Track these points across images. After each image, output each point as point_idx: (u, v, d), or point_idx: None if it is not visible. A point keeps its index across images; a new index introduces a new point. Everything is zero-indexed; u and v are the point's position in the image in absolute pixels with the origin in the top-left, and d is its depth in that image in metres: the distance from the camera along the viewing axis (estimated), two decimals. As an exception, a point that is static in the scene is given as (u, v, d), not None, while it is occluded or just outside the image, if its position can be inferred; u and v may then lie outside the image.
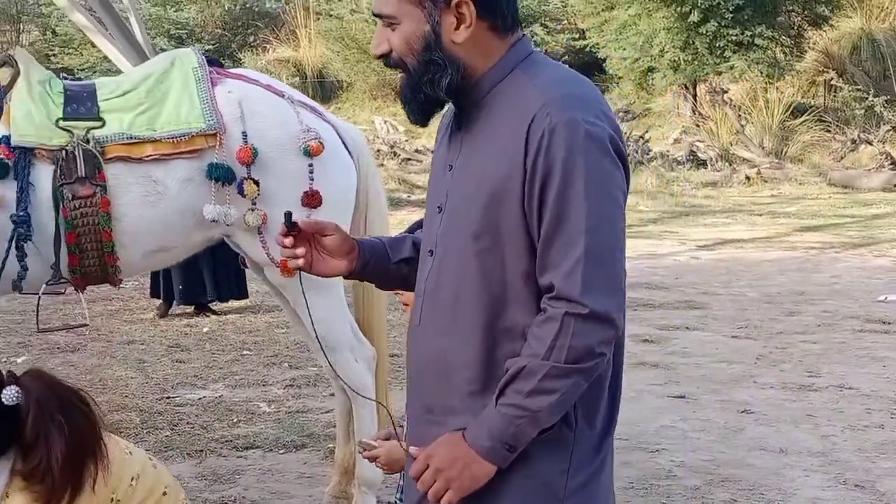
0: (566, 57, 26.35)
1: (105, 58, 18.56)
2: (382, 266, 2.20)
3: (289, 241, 2.11)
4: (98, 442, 2.02)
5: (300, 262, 2.12)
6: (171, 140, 3.59)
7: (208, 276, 7.42)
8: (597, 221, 1.86)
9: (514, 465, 1.94)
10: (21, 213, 3.47)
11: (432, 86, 1.96)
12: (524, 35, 2.04)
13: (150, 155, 3.61)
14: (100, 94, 3.68)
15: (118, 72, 11.93)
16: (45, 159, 3.52)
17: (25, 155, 3.49)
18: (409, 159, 18.17)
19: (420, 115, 2.04)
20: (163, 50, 18.81)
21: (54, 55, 25.80)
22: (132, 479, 2.23)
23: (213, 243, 3.91)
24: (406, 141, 18.91)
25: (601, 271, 1.86)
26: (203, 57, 3.80)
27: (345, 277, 2.26)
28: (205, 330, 7.26)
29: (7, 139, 3.48)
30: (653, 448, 4.90)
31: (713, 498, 4.31)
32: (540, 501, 1.99)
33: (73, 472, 1.93)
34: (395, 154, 18.05)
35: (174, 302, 7.70)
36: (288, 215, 2.11)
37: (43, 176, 3.52)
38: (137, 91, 3.69)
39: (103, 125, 3.60)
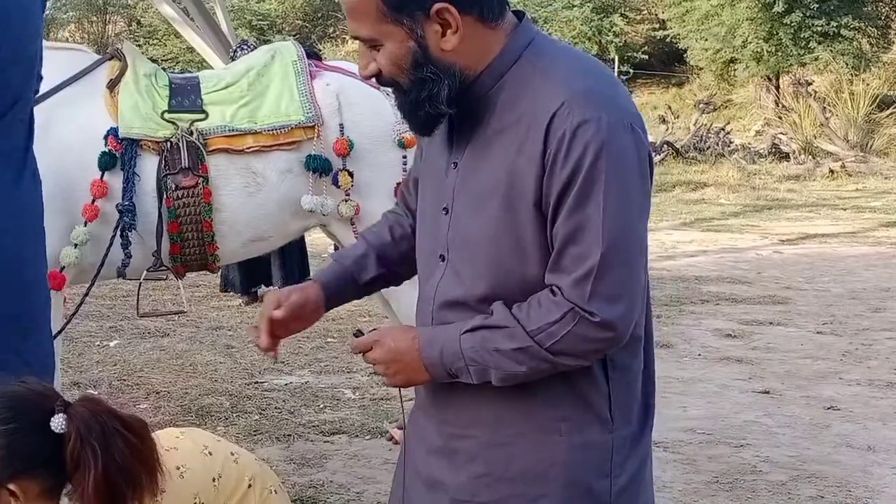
0: (646, 47, 26.16)
1: (188, 48, 18.94)
2: (350, 294, 2.14)
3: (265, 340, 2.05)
4: (141, 471, 1.96)
5: (269, 352, 2.06)
6: (271, 132, 3.69)
7: (275, 262, 7.54)
8: (616, 234, 1.75)
9: (555, 474, 1.87)
10: (126, 203, 3.59)
11: (432, 102, 1.82)
12: (524, 17, 1.89)
13: (251, 147, 3.72)
14: (203, 87, 3.79)
15: (201, 62, 12.19)
16: (151, 150, 3.64)
17: (132, 146, 3.62)
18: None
19: (425, 128, 1.90)
20: (245, 41, 19.11)
21: (139, 45, 26.36)
22: (213, 479, 2.22)
23: (306, 232, 4.01)
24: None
25: (612, 281, 1.75)
26: (302, 50, 3.89)
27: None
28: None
29: (115, 131, 3.61)
30: (737, 443, 4.88)
31: (799, 494, 4.29)
32: None
33: (106, 501, 1.90)
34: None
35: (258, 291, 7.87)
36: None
37: (148, 167, 3.64)
38: (239, 84, 3.80)
39: (206, 118, 3.71)
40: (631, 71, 26.14)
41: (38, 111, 3.56)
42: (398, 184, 3.78)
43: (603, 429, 1.88)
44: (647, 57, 26.07)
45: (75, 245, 3.56)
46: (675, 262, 9.79)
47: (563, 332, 1.76)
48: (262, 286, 7.70)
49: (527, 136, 1.78)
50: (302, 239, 6.48)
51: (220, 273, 7.80)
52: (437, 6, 1.76)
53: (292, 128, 3.70)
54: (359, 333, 1.96)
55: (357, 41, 1.87)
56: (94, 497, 1.87)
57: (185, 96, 3.74)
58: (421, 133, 1.94)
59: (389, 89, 1.96)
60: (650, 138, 19.39)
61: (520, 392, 1.87)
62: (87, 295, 3.89)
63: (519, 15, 1.89)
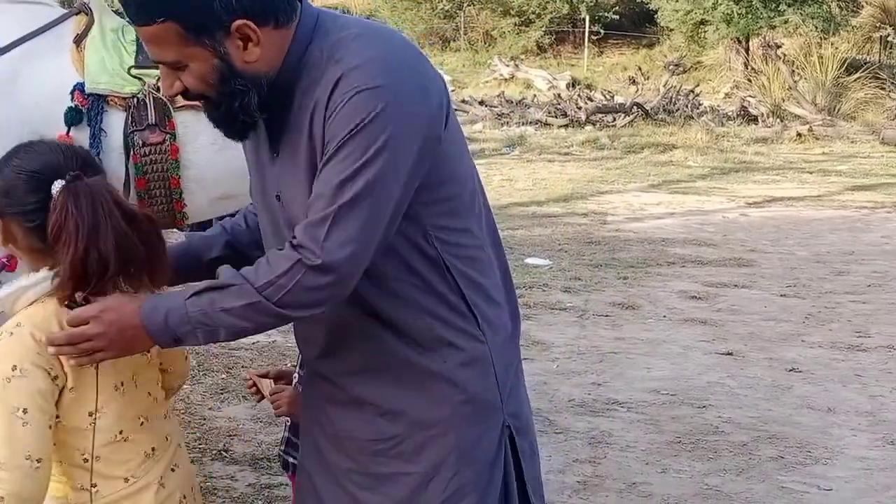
0: (617, 7, 26.10)
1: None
2: (193, 269, 2.17)
3: None
4: (131, 264, 1.92)
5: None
6: (239, 89, 3.65)
7: None
8: (364, 187, 1.79)
9: (450, 395, 1.99)
10: (93, 159, 3.55)
11: (245, 112, 1.88)
12: (301, 3, 1.92)
13: (219, 103, 3.68)
14: (170, 43, 3.74)
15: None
16: (118, 106, 3.59)
17: (98, 102, 3.56)
18: (456, 109, 18.13)
19: (239, 134, 1.98)
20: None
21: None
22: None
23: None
24: (452, 91, 18.88)
25: (345, 226, 1.80)
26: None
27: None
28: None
29: (81, 86, 3.55)
30: (700, 404, 4.96)
31: (760, 455, 4.37)
32: (485, 418, 2.03)
33: (81, 283, 1.88)
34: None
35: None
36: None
37: (114, 122, 3.59)
38: (209, 41, 3.75)
39: (174, 73, 3.67)
40: (602, 31, 26.11)
41: (4, 64, 3.53)
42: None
43: (476, 340, 2.01)
44: (618, 17, 26.03)
45: None
46: (642, 223, 9.85)
47: (292, 282, 1.81)
48: None
49: (314, 113, 1.85)
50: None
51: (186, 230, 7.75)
52: (236, 23, 1.81)
53: (261, 85, 3.66)
54: (73, 305, 1.92)
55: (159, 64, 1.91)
56: (68, 274, 1.85)
57: (152, 52, 3.69)
58: (238, 139, 2.01)
59: None
60: (620, 99, 19.36)
61: (391, 324, 1.97)
62: None
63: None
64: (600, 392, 5.10)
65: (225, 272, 1.90)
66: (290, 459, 2.68)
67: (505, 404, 2.07)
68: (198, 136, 3.67)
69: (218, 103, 1.89)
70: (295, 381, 2.59)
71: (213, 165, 3.68)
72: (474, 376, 2.03)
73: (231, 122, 1.92)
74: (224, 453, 4.19)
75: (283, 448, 2.75)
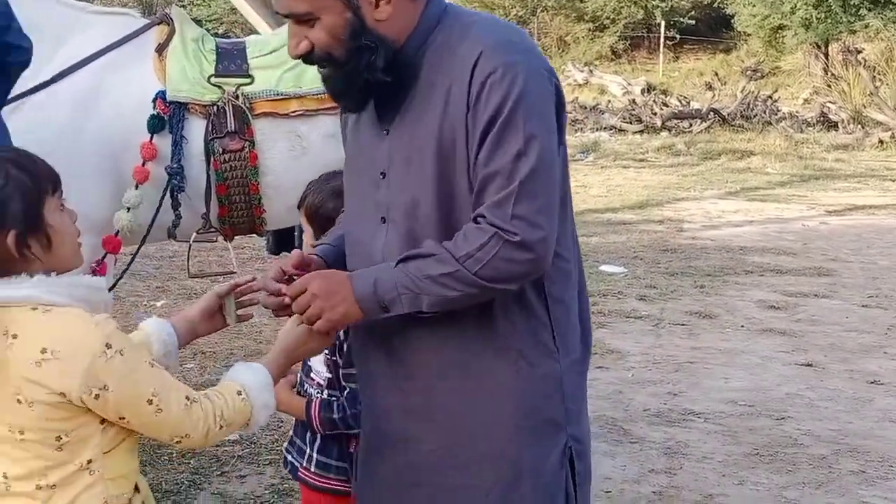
0: (693, 12, 25.80)
1: (232, 9, 18.96)
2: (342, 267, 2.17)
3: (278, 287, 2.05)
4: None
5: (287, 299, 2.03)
6: (316, 96, 3.69)
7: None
8: (534, 166, 1.86)
9: (517, 409, 1.99)
10: (175, 165, 3.61)
11: (371, 70, 1.93)
12: None
13: (296, 111, 3.73)
14: (250, 52, 3.80)
15: (245, 23, 12.21)
16: (198, 114, 3.66)
17: (179, 109, 3.63)
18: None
19: (361, 102, 2.02)
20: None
21: (183, 6, 26.39)
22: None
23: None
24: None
25: (531, 207, 1.86)
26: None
27: None
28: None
29: (163, 94, 3.63)
30: (779, 416, 4.86)
31: (840, 468, 4.27)
32: (550, 436, 2.03)
33: None
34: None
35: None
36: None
37: (195, 130, 3.66)
38: (285, 49, 3.78)
39: (252, 82, 3.72)
40: (677, 36, 25.85)
41: (88, 75, 3.62)
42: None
43: (551, 358, 2.02)
44: (693, 22, 25.73)
45: (128, 209, 3.59)
46: (719, 231, 9.71)
47: (489, 256, 1.86)
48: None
49: (451, 91, 1.91)
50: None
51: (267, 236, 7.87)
52: None
53: (337, 92, 3.70)
54: (290, 279, 2.03)
55: (288, 20, 1.96)
56: None
57: (231, 61, 3.75)
58: (354, 110, 2.06)
59: None
60: (696, 105, 19.12)
61: (468, 332, 1.98)
62: (135, 256, 3.93)
63: None
64: (676, 402, 5.04)
65: (427, 243, 1.92)
66: (290, 458, 2.70)
67: (569, 425, 2.06)
68: (276, 143, 3.73)
69: (344, 61, 1.92)
70: (297, 381, 2.62)
71: (291, 172, 3.73)
72: (544, 393, 2.02)
73: (352, 84, 1.95)
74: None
75: (286, 446, 2.76)
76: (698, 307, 6.85)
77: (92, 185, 3.54)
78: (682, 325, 6.45)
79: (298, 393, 2.61)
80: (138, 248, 3.86)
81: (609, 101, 20.61)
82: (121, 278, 4.04)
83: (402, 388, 2.06)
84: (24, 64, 2.61)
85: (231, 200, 3.70)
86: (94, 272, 3.56)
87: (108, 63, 3.66)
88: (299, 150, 3.74)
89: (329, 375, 2.54)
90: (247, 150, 3.66)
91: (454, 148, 1.92)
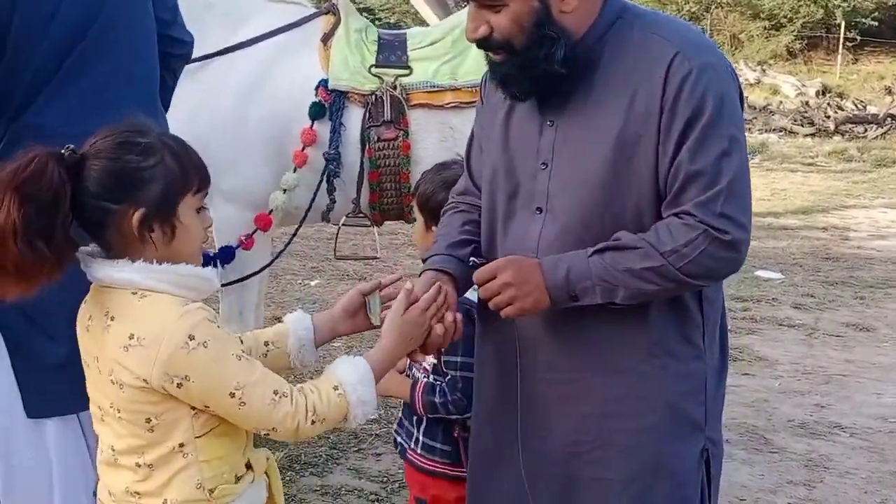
0: (877, 13, 24.72)
1: (405, -1, 19.31)
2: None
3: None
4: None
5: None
6: (470, 89, 3.77)
7: None
8: (737, 167, 1.87)
9: (660, 405, 2.00)
10: (332, 151, 3.77)
11: (549, 61, 1.92)
12: None
13: (450, 103, 3.83)
14: (410, 44, 3.92)
15: (416, 13, 12.43)
16: (357, 102, 3.80)
17: (340, 98, 3.78)
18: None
19: (529, 92, 2.01)
20: (461, -7, 19.26)
21: (358, -6, 26.94)
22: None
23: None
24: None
25: (738, 206, 1.88)
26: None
27: None
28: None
29: (325, 82, 3.78)
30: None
31: None
32: (689, 436, 2.03)
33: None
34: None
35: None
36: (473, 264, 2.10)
37: (353, 118, 3.80)
38: (444, 41, 3.90)
39: (410, 73, 3.84)
40: (858, 37, 24.81)
41: (258, 60, 3.80)
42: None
43: (698, 359, 2.03)
44: (876, 23, 24.62)
45: (284, 190, 3.77)
46: (886, 242, 9.32)
47: (696, 252, 1.87)
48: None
49: (639, 86, 1.91)
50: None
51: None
52: None
53: (492, 85, 3.77)
54: (475, 264, 2.06)
55: (471, 3, 1.95)
56: None
57: (391, 52, 3.87)
58: (520, 98, 2.03)
59: None
60: (873, 109, 18.30)
61: (620, 326, 1.98)
62: (294, 236, 4.10)
63: None
64: (823, 414, 4.91)
65: (624, 236, 1.92)
66: (399, 439, 2.75)
67: (708, 427, 2.06)
68: (429, 134, 3.83)
69: (522, 49, 1.93)
70: (406, 365, 2.66)
71: (442, 162, 3.82)
72: (688, 391, 2.02)
73: (526, 73, 1.97)
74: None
75: (395, 428, 2.81)
76: (856, 319, 6.62)
77: (254, 165, 3.72)
78: (837, 336, 6.25)
79: (407, 376, 2.68)
80: (296, 230, 4.03)
81: (781, 102, 19.98)
82: (277, 257, 4.22)
83: (545, 377, 2.07)
84: (185, 58, 2.75)
85: (382, 187, 3.83)
86: (241, 244, 3.75)
87: (278, 50, 3.84)
88: (451, 142, 3.83)
89: (434, 361, 2.59)
90: (400, 139, 3.78)
91: (637, 146, 1.92)
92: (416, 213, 2.74)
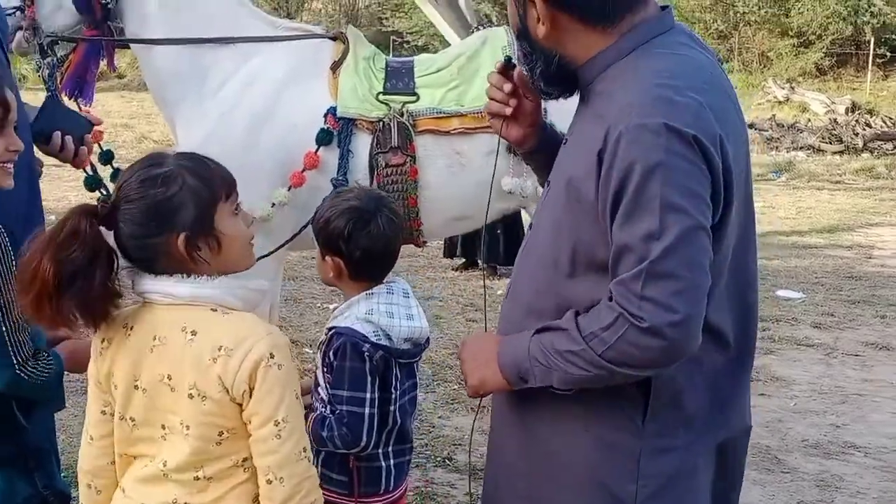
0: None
1: (431, 22, 19.47)
2: (554, 151, 2.00)
3: (508, 86, 2.07)
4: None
5: (508, 111, 2.08)
6: (476, 115, 3.84)
7: (503, 240, 7.76)
8: (678, 230, 1.64)
9: (577, 469, 1.88)
10: (340, 178, 3.83)
11: (531, 73, 1.93)
12: (661, 15, 1.85)
13: (457, 129, 3.89)
14: (417, 71, 3.99)
15: (443, 37, 12.54)
16: (365, 129, 3.87)
17: (348, 125, 3.85)
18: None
19: (549, 95, 1.98)
20: (487, 16, 19.40)
21: (385, 18, 27.23)
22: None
23: (507, 214, 4.14)
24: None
25: (666, 287, 1.65)
26: (513, 36, 4.01)
27: (518, 153, 2.23)
28: (499, 292, 7.57)
29: (334, 110, 3.86)
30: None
31: None
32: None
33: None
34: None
35: (478, 261, 8.18)
36: (508, 59, 2.11)
37: (361, 144, 3.87)
38: (450, 68, 3.97)
39: (417, 100, 3.91)
40: (888, 54, 24.67)
41: (269, 88, 3.87)
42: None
43: (632, 435, 1.84)
44: (907, 40, 24.51)
45: (273, 204, 3.80)
46: (911, 260, 9.28)
47: (614, 338, 1.69)
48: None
49: (596, 132, 1.73)
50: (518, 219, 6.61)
51: (444, 241, 8.23)
52: None
53: (496, 111, 3.83)
54: (509, 58, 2.11)
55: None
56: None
57: (399, 79, 3.95)
58: (554, 95, 1.99)
59: None
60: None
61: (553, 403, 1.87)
62: (282, 246, 3.94)
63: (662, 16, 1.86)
64: (837, 434, 4.90)
65: (566, 315, 1.81)
66: None
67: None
68: (436, 159, 3.90)
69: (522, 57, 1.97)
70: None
71: (448, 187, 3.89)
72: (616, 468, 1.88)
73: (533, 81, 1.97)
74: (447, 461, 4.37)
75: None
76: (876, 338, 6.60)
77: (259, 189, 3.76)
78: (856, 355, 6.23)
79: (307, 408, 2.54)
80: (279, 246, 3.92)
81: (809, 120, 19.90)
82: (267, 255, 4.18)
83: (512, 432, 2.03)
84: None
85: (390, 212, 3.89)
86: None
87: (289, 79, 3.92)
88: (458, 167, 3.90)
89: (331, 392, 2.48)
90: (408, 164, 3.85)
91: (583, 188, 1.76)
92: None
